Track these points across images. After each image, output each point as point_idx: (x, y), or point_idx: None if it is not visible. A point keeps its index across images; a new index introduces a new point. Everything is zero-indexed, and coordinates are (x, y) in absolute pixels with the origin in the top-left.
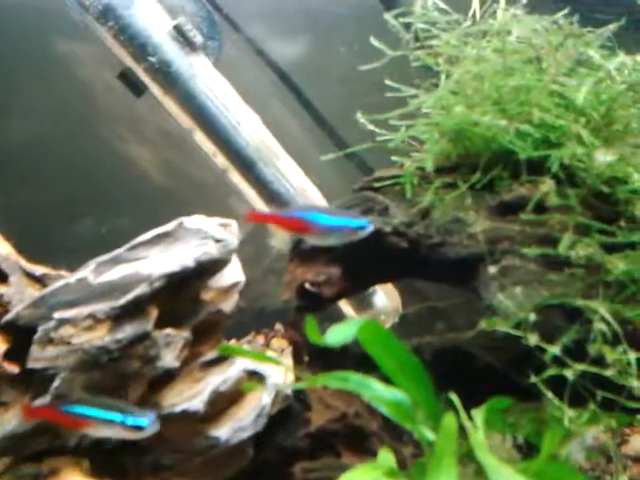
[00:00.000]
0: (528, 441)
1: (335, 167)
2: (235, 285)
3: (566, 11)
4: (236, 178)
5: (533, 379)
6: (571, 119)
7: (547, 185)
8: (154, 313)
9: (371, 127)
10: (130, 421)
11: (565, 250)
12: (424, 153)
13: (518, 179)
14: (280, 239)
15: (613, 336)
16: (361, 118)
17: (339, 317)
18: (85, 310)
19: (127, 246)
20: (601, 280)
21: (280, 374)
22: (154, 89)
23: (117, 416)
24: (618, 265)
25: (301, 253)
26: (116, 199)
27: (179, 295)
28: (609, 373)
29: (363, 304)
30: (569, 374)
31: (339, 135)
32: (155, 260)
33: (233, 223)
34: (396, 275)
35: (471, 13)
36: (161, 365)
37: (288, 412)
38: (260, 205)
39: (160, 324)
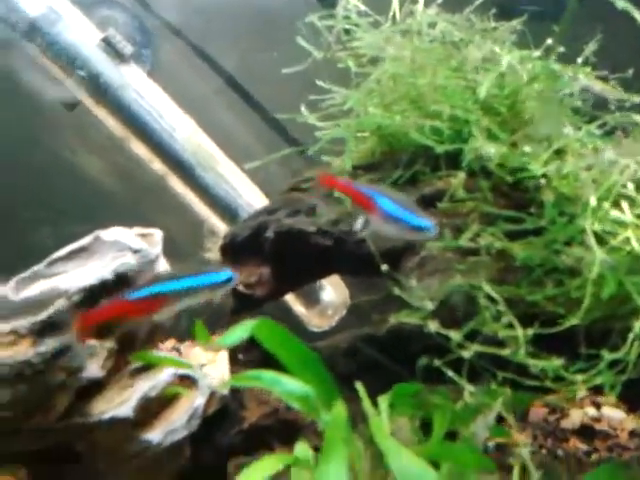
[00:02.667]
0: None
1: (285, 166)
2: None
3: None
4: (175, 183)
5: (436, 362)
6: (480, 114)
7: (459, 178)
8: None
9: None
10: (215, 277)
11: (466, 241)
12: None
13: (438, 173)
14: (214, 254)
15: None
16: (306, 117)
17: (288, 314)
18: (7, 326)
19: (45, 262)
20: (511, 266)
21: (215, 375)
22: (86, 101)
23: (202, 280)
24: (519, 252)
25: (231, 256)
26: (62, 207)
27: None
28: (506, 352)
29: (311, 299)
30: (466, 354)
31: (288, 135)
32: (73, 274)
33: (155, 232)
34: (326, 272)
35: (391, 14)
36: (86, 375)
37: (224, 412)
38: (201, 209)
39: None
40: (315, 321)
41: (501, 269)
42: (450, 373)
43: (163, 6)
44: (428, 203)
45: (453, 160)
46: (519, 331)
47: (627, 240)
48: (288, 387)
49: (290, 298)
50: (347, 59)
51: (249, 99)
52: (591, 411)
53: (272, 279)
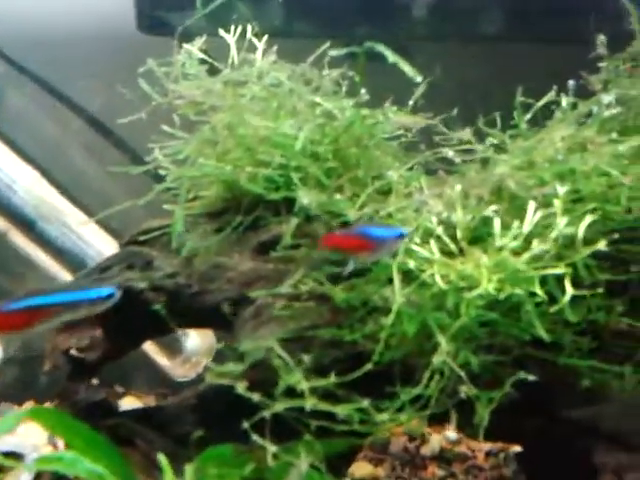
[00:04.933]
0: None
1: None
2: None
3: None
4: (18, 239)
5: (245, 424)
6: (307, 161)
7: (290, 225)
8: None
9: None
10: (95, 293)
11: (287, 288)
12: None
13: (279, 218)
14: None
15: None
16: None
17: (152, 366)
18: None
19: None
20: (337, 308)
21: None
22: None
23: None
24: (339, 294)
25: None
26: None
27: None
28: (309, 404)
29: (174, 349)
30: (266, 413)
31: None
32: None
33: None
34: (164, 329)
35: (230, 61)
36: None
37: None
38: (48, 264)
39: None
40: (179, 371)
41: (328, 311)
42: (254, 435)
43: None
44: (265, 250)
45: (292, 205)
46: (318, 382)
47: (432, 277)
48: (87, 467)
49: (151, 349)
50: (185, 107)
51: (108, 140)
52: (451, 435)
53: (105, 341)
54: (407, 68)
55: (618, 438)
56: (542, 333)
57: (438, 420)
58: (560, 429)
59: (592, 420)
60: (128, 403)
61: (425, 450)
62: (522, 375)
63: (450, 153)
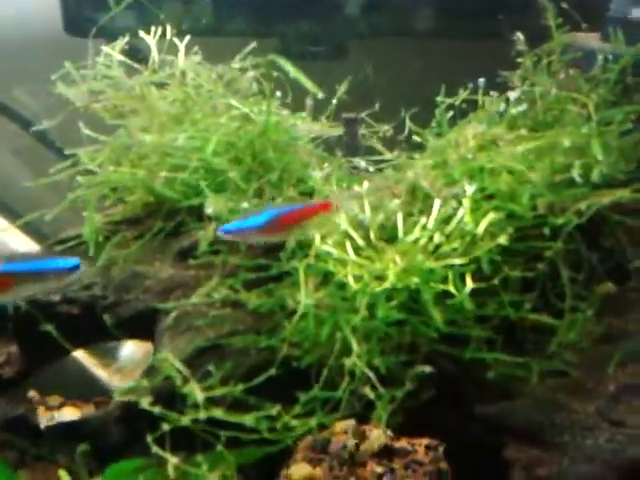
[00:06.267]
0: None
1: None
2: None
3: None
4: None
5: (149, 438)
6: (226, 165)
7: (207, 230)
8: None
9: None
10: (61, 264)
11: (201, 296)
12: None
13: (201, 224)
14: None
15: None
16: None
17: (87, 376)
18: None
19: None
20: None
21: None
22: None
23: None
24: (253, 300)
25: None
26: None
27: None
28: (219, 414)
29: (107, 357)
30: (166, 427)
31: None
32: None
33: None
34: (81, 342)
35: (150, 62)
36: None
37: None
38: None
39: None
40: (116, 379)
41: (249, 318)
42: (155, 447)
43: None
44: (186, 256)
45: None
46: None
47: (346, 278)
48: None
49: (84, 358)
50: (102, 110)
51: (38, 141)
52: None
53: (22, 356)
54: (308, 84)
55: (529, 433)
56: (439, 321)
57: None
58: (472, 425)
59: (503, 416)
60: (67, 413)
61: (365, 447)
62: (420, 369)
63: (362, 163)
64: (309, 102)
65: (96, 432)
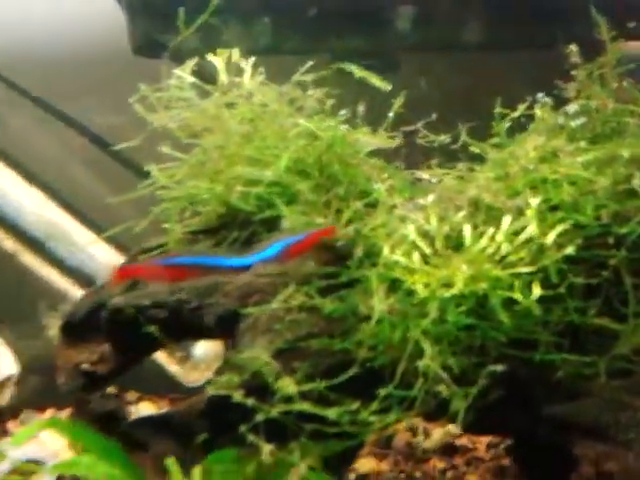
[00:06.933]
0: None
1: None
2: (8, 379)
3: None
4: (28, 259)
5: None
6: (296, 179)
7: None
8: None
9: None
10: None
11: (280, 302)
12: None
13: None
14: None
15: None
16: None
17: (164, 373)
18: None
19: None
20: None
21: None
22: None
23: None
24: (328, 306)
25: (72, 334)
26: None
27: None
28: (298, 407)
29: (182, 356)
30: (260, 417)
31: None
32: None
33: None
34: (168, 342)
35: (219, 83)
36: None
37: None
38: (59, 283)
39: None
40: (190, 377)
41: (323, 322)
42: (250, 436)
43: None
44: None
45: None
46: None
47: (414, 285)
48: (104, 470)
49: (162, 357)
50: (178, 130)
51: (112, 159)
52: (453, 428)
53: (113, 355)
54: (376, 81)
55: (596, 431)
56: (508, 325)
57: (434, 418)
58: (540, 425)
59: (571, 415)
60: (144, 408)
61: (427, 444)
62: (492, 368)
63: (425, 175)
64: (360, 109)
65: (182, 425)
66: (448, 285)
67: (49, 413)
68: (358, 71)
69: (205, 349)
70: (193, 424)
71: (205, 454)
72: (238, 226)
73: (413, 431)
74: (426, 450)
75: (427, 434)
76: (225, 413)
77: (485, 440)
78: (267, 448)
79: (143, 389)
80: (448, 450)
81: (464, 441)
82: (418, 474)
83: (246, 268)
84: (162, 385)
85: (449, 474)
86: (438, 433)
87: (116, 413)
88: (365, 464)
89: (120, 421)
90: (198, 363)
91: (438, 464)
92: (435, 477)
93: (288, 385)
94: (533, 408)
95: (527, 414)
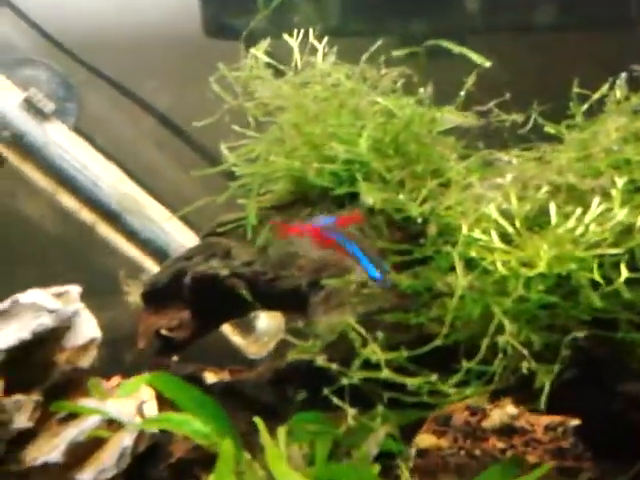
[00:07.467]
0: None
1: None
2: (92, 341)
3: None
4: (105, 230)
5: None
6: (371, 157)
7: None
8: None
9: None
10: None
11: (357, 276)
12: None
13: (343, 210)
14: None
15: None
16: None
17: (227, 345)
18: None
19: None
20: (403, 293)
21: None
22: (12, 159)
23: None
24: (404, 281)
25: (153, 302)
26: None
27: (27, 363)
28: (384, 375)
29: (247, 329)
30: (345, 381)
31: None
32: None
33: (71, 290)
34: (243, 310)
35: (293, 63)
36: (15, 427)
37: (154, 448)
38: (135, 254)
39: (11, 391)
40: (252, 349)
41: (394, 297)
42: (335, 400)
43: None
44: None
45: (355, 198)
46: (382, 355)
47: (494, 264)
48: (193, 427)
49: (227, 329)
50: (253, 109)
51: (182, 139)
52: (511, 410)
53: (192, 322)
54: (474, 56)
55: None
56: (597, 305)
57: (500, 396)
58: (616, 402)
59: None
60: (207, 377)
61: (486, 424)
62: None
63: (505, 158)
64: (427, 91)
65: (251, 392)
66: (528, 264)
67: (115, 380)
68: (456, 47)
69: (267, 324)
70: (262, 392)
71: (277, 421)
72: (311, 203)
73: (471, 411)
74: (485, 429)
75: (485, 414)
76: (297, 381)
77: (543, 422)
78: (351, 412)
79: (205, 359)
80: (506, 431)
81: (522, 423)
82: (477, 452)
83: (377, 282)
84: (223, 356)
85: (508, 453)
86: (497, 413)
87: (193, 378)
88: (425, 439)
89: (199, 384)
90: (261, 336)
91: (497, 443)
92: (495, 455)
93: (373, 352)
94: (608, 386)
95: (602, 392)
